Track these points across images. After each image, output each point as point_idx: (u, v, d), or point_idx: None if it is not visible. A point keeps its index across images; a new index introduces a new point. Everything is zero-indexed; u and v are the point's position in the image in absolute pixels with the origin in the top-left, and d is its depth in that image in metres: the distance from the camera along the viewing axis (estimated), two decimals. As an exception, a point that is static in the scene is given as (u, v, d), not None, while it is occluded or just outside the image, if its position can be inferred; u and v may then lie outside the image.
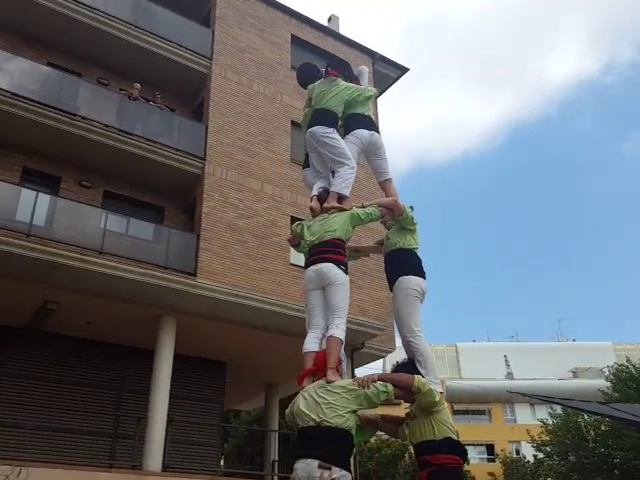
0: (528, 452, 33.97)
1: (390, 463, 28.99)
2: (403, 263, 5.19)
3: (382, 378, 4.31)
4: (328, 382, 4.23)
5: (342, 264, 4.81)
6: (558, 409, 29.80)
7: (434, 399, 4.31)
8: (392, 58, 18.91)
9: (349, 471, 3.93)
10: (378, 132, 5.75)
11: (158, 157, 13.79)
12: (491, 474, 36.63)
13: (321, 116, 5.41)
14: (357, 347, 15.30)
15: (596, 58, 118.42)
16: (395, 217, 5.33)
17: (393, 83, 19.20)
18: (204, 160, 14.15)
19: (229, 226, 13.79)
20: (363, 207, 5.26)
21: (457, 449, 4.31)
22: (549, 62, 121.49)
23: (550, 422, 29.57)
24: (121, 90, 14.39)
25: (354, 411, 4.16)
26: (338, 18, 19.82)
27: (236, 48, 15.94)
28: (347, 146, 5.48)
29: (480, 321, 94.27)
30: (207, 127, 14.54)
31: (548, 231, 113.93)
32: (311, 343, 4.72)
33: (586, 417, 28.60)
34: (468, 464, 33.88)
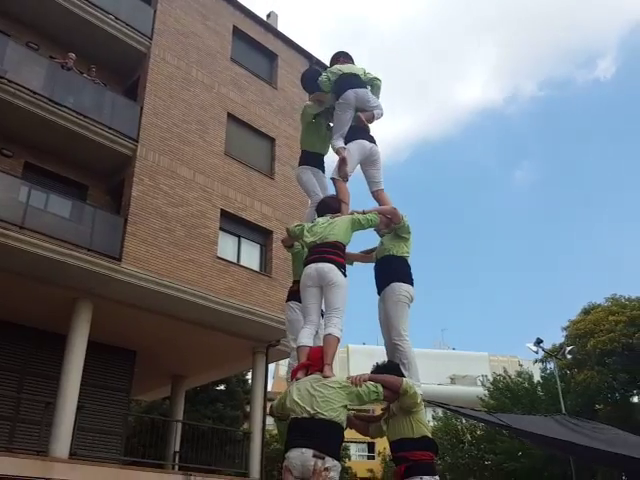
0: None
1: (279, 457, 29.33)
2: (395, 270, 5.34)
3: (372, 378, 4.49)
4: (325, 377, 4.36)
5: (342, 267, 4.93)
6: (440, 412, 31.50)
7: (417, 401, 4.59)
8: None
9: (339, 461, 4.13)
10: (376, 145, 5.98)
11: (88, 133, 13.20)
12: (370, 470, 38.11)
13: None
14: (273, 344, 15.50)
15: (501, 88, 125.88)
16: (391, 225, 5.49)
17: (326, 88, 19.48)
18: (136, 142, 13.73)
19: (158, 213, 13.48)
20: (364, 213, 5.35)
21: (431, 446, 4.63)
22: (458, 86, 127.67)
23: (431, 424, 31.18)
24: (53, 58, 13.59)
25: (345, 406, 4.32)
26: (277, 15, 19.84)
27: (177, 31, 15.57)
28: (350, 150, 5.66)
29: (371, 325, 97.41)
30: (142, 108, 14.11)
31: (439, 247, 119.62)
32: (306, 338, 4.78)
33: (464, 421, 30.48)
34: (350, 460, 35.04)
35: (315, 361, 4.53)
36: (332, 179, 5.69)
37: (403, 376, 4.76)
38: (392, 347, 5.17)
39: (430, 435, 4.65)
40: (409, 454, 4.47)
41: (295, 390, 4.36)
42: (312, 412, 4.15)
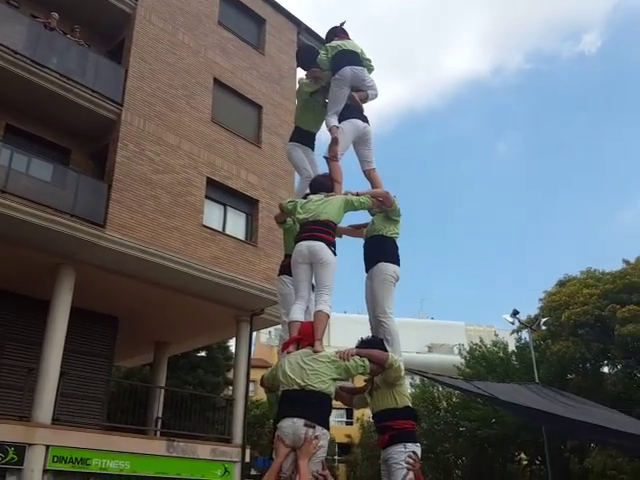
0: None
1: (258, 423, 29.82)
2: (383, 249, 5.45)
3: (359, 353, 4.64)
4: (315, 352, 4.49)
5: (333, 245, 5.03)
6: (417, 380, 32.11)
7: (401, 374, 4.81)
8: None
9: (328, 430, 4.28)
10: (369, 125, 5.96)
11: (72, 96, 12.89)
12: (348, 436, 38.90)
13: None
14: (257, 312, 15.57)
15: (488, 60, 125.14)
16: (382, 207, 5.55)
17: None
18: (121, 106, 13.46)
19: (143, 179, 13.32)
20: (357, 195, 5.41)
21: (413, 415, 4.87)
22: (445, 56, 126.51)
23: (409, 392, 31.76)
24: (35, 17, 13.18)
25: (334, 379, 4.49)
26: (265, -22, 19.36)
27: (164, -8, 15.16)
28: (344, 129, 5.64)
29: (353, 294, 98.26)
30: (127, 71, 13.80)
31: (420, 215, 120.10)
32: (297, 313, 4.90)
33: (440, 389, 31.17)
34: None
35: (306, 336, 4.65)
36: (325, 157, 5.68)
37: (386, 351, 4.92)
38: (377, 323, 5.31)
39: (411, 405, 4.89)
40: (393, 423, 4.69)
41: (287, 363, 4.47)
42: (302, 384, 4.29)
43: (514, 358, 29.29)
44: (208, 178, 14.60)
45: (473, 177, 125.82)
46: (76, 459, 12.00)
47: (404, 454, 4.50)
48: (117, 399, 16.51)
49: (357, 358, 4.54)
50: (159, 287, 14.03)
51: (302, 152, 6.11)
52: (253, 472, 28.43)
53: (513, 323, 26.04)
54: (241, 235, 15.30)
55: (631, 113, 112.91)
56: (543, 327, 25.02)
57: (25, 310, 13.55)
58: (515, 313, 24.35)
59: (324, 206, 5.12)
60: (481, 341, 31.93)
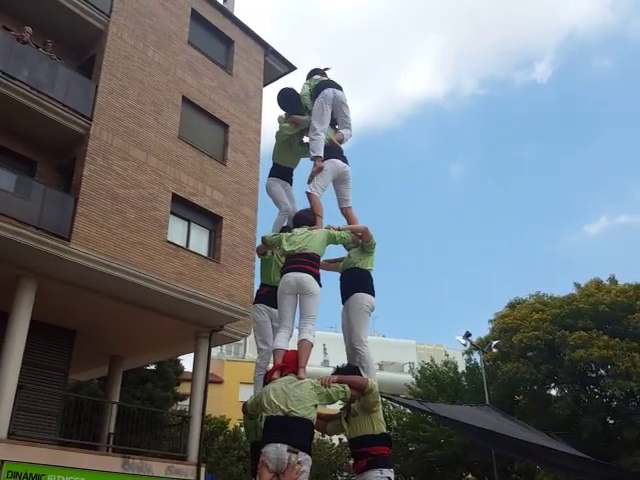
0: (334, 436, 36.40)
1: (207, 440, 29.57)
2: (359, 281, 5.78)
3: (340, 380, 4.91)
4: (299, 379, 4.75)
5: (318, 277, 5.34)
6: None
7: (378, 400, 5.10)
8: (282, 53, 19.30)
9: (310, 455, 4.52)
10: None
11: (41, 109, 12.91)
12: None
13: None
14: (216, 329, 15.67)
15: (443, 84, 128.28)
16: (359, 241, 5.90)
17: (279, 77, 19.66)
18: (91, 120, 13.54)
19: (109, 194, 13.38)
20: (339, 229, 5.76)
21: (389, 442, 5.17)
22: (401, 78, 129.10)
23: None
24: (7, 30, 13.18)
25: (316, 405, 4.74)
26: (234, 0, 19.79)
27: (136, 11, 15.35)
28: (325, 168, 6.00)
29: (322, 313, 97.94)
30: (97, 86, 13.90)
31: (373, 232, 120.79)
32: (281, 341, 5.16)
33: (391, 407, 31.51)
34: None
35: (290, 363, 4.90)
36: (307, 193, 6.00)
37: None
38: (352, 351, 5.61)
39: (386, 431, 5.17)
40: (370, 449, 4.93)
41: (271, 390, 4.71)
42: (286, 410, 4.52)
43: (464, 379, 29.94)
44: (173, 194, 14.75)
45: (426, 197, 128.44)
46: (31, 475, 11.81)
47: (380, 479, 4.75)
48: (70, 414, 16.30)
49: (338, 385, 4.80)
50: (119, 301, 14.01)
51: (281, 186, 6.46)
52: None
53: (465, 345, 26.74)
54: (204, 251, 15.45)
55: (579, 139, 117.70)
56: (494, 350, 25.76)
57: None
58: (467, 335, 25.07)
59: (309, 239, 5.42)
60: (432, 360, 32.50)
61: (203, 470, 14.98)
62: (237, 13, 18.94)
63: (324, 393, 4.72)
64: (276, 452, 4.35)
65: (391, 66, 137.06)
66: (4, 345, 12.01)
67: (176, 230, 14.85)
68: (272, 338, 5.69)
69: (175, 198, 14.80)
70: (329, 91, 6.39)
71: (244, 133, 17.35)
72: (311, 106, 6.35)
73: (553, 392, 26.25)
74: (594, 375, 24.91)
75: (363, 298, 5.66)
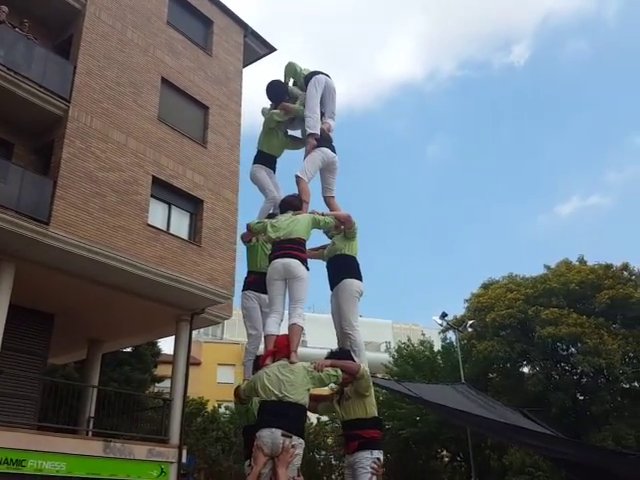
0: (312, 415, 36.77)
1: (186, 421, 29.60)
2: (347, 267, 5.90)
3: (333, 364, 5.03)
4: (291, 363, 4.85)
5: (305, 262, 5.43)
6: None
7: (370, 384, 5.25)
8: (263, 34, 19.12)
9: (303, 439, 4.68)
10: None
11: (18, 90, 12.64)
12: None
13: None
14: (197, 312, 15.70)
15: (422, 65, 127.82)
16: (340, 228, 6.01)
17: (259, 59, 19.48)
18: (69, 102, 13.31)
19: (89, 177, 13.22)
20: (323, 215, 5.84)
21: (380, 425, 5.39)
22: (381, 59, 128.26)
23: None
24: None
25: (309, 389, 4.88)
26: (212, -21, 19.44)
27: (113, -11, 15.04)
28: (312, 157, 6.07)
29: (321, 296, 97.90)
30: (75, 67, 13.65)
31: (350, 212, 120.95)
32: (272, 327, 5.25)
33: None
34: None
35: (281, 348, 4.99)
36: (296, 177, 6.05)
37: (352, 360, 5.36)
38: (343, 336, 5.73)
39: (377, 414, 5.31)
40: (362, 432, 5.09)
41: (265, 375, 4.81)
42: (280, 395, 4.64)
43: (440, 357, 30.47)
44: (154, 177, 14.62)
45: (404, 177, 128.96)
46: (11, 460, 11.85)
47: (370, 460, 4.92)
48: (49, 398, 16.23)
49: (331, 369, 4.92)
50: (100, 285, 13.92)
51: (266, 174, 6.47)
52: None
53: (442, 325, 27.18)
54: (185, 235, 15.39)
55: (554, 121, 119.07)
56: (469, 329, 26.25)
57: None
58: (444, 315, 25.49)
59: (294, 224, 5.50)
60: (409, 340, 32.93)
61: (185, 452, 15.11)
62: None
63: (317, 377, 4.85)
64: (271, 436, 4.47)
65: (372, 48, 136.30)
66: (-17, 330, 11.88)
67: (157, 213, 14.76)
68: (261, 323, 5.77)
69: (155, 181, 14.67)
70: (321, 77, 6.50)
71: (224, 115, 17.22)
72: (296, 109, 6.41)
73: (525, 370, 26.90)
74: (565, 353, 25.58)
75: (352, 284, 5.78)
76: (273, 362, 4.94)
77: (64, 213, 12.57)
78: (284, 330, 5.21)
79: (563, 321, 23.56)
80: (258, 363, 5.30)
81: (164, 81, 15.71)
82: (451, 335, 30.26)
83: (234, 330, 45.00)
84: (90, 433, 15.31)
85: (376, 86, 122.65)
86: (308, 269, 5.43)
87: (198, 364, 38.23)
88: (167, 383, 28.22)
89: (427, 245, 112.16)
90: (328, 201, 6.33)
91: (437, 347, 31.61)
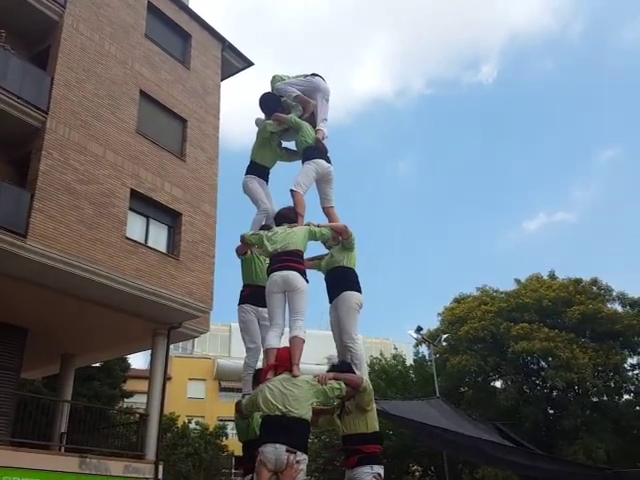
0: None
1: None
2: (346, 279, 5.89)
3: (336, 377, 5.01)
4: (294, 376, 4.81)
5: (304, 273, 5.42)
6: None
7: (372, 397, 5.23)
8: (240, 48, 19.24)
9: (307, 454, 4.65)
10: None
11: (-5, 101, 12.50)
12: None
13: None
14: (175, 326, 15.56)
15: (393, 82, 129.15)
16: (338, 239, 6.01)
17: (237, 73, 19.56)
18: (46, 114, 13.17)
19: (67, 189, 13.07)
20: (319, 227, 5.85)
21: (380, 440, 5.33)
22: (350, 75, 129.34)
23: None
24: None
25: (312, 404, 4.84)
26: (190, -8, 19.53)
27: (91, 2, 14.97)
28: (306, 169, 6.14)
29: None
30: (52, 79, 13.53)
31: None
32: (273, 340, 5.22)
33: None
34: (227, 439, 35.36)
35: (283, 361, 4.96)
36: (291, 191, 6.11)
37: (353, 373, 5.37)
38: (343, 349, 5.73)
39: (378, 429, 5.28)
40: (362, 447, 5.08)
41: (267, 389, 4.76)
42: (284, 410, 4.59)
43: (412, 371, 30.59)
44: (132, 190, 14.51)
45: (374, 192, 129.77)
46: (-15, 477, 11.54)
47: (370, 475, 4.93)
48: (21, 413, 15.85)
49: (334, 382, 4.88)
50: (76, 298, 13.72)
51: (258, 185, 6.48)
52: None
53: (417, 338, 27.34)
54: (163, 248, 15.28)
55: (520, 140, 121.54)
56: (444, 343, 26.46)
57: None
58: (419, 329, 25.69)
59: (290, 237, 5.50)
60: (381, 354, 33.01)
61: (161, 468, 14.89)
62: (192, 6, 18.71)
63: (320, 391, 4.80)
64: (275, 452, 4.43)
65: (343, 64, 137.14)
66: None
67: (135, 226, 14.64)
68: (259, 336, 5.75)
69: (134, 194, 14.56)
70: (319, 80, 6.76)
71: (202, 128, 17.23)
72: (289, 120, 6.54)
73: (497, 384, 27.19)
74: (536, 367, 25.94)
75: (352, 296, 5.78)
76: (274, 376, 4.89)
77: (42, 226, 12.39)
78: (284, 343, 5.18)
79: (535, 336, 23.85)
80: (258, 377, 5.28)
81: (142, 94, 15.66)
82: (423, 349, 30.48)
83: (205, 345, 44.53)
84: (63, 449, 15.00)
85: (347, 101, 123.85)
86: (307, 281, 5.42)
87: (168, 379, 37.61)
88: (136, 398, 28.09)
89: (396, 260, 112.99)
90: (327, 212, 6.37)
91: (409, 361, 31.79)
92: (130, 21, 15.96)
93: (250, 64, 19.47)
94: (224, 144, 17.89)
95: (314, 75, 6.81)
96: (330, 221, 6.25)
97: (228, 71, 19.21)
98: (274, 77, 6.93)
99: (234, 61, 19.23)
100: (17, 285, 12.77)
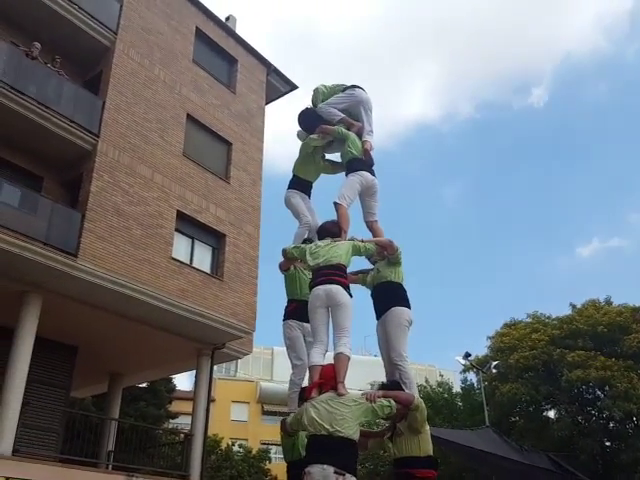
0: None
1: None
2: (395, 295, 5.73)
3: (386, 395, 4.80)
4: (339, 395, 4.62)
5: (347, 288, 5.27)
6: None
7: (425, 417, 4.98)
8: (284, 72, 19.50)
9: (356, 475, 4.43)
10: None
11: (49, 124, 12.92)
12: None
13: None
14: (218, 346, 15.60)
15: (439, 107, 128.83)
16: (383, 254, 5.87)
17: (281, 96, 19.81)
18: (98, 137, 13.57)
19: (116, 210, 13.37)
20: (363, 242, 5.71)
21: (435, 464, 5.06)
22: (399, 100, 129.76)
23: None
24: (15, 45, 13.24)
25: (361, 423, 4.63)
26: (236, 19, 19.98)
27: (142, 28, 15.49)
28: (350, 181, 6.07)
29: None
30: (104, 103, 13.96)
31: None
32: (317, 357, 5.09)
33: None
34: (270, 463, 35.11)
35: (327, 379, 4.79)
36: (335, 203, 6.02)
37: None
38: (392, 367, 5.54)
39: (432, 453, 5.02)
40: (415, 471, 4.84)
41: (312, 408, 4.60)
42: (331, 430, 4.41)
43: (459, 399, 29.77)
44: (178, 211, 14.76)
45: (420, 218, 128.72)
46: (35, 493, 11.66)
47: None
48: (71, 431, 16.10)
49: (384, 399, 4.68)
50: (123, 318, 13.94)
51: (300, 199, 6.44)
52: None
53: (464, 365, 26.61)
54: (207, 269, 15.42)
55: (573, 163, 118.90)
56: (494, 370, 25.62)
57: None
58: (467, 355, 25.03)
59: (334, 250, 5.38)
60: (426, 381, 32.34)
61: (205, 489, 14.83)
62: (239, 31, 19.12)
63: (370, 409, 4.61)
64: (322, 473, 4.27)
65: (389, 89, 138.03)
66: (9, 362, 11.88)
67: (180, 247, 14.84)
68: (306, 353, 5.62)
69: (180, 215, 14.80)
70: (360, 91, 6.72)
71: (247, 151, 17.45)
72: (334, 131, 6.49)
73: (550, 414, 26.17)
74: (591, 397, 24.86)
75: (402, 312, 5.62)
76: (319, 394, 4.75)
77: (92, 246, 12.68)
78: (329, 360, 5.03)
79: (590, 364, 22.90)
80: (304, 395, 5.14)
81: (189, 117, 15.99)
82: (471, 376, 29.65)
83: (248, 367, 44.55)
84: (110, 467, 15.12)
85: (391, 127, 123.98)
86: (351, 295, 5.27)
87: (212, 400, 37.77)
88: (181, 419, 28.20)
89: (443, 288, 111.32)
90: (370, 225, 6.24)
91: (456, 389, 31.00)
92: (179, 47, 16.40)
93: (294, 87, 19.68)
94: (267, 166, 18.11)
95: (354, 87, 6.72)
96: (374, 236, 6.12)
97: (272, 94, 19.47)
98: (316, 89, 6.88)
99: (279, 85, 19.49)
100: (68, 304, 13.04)
